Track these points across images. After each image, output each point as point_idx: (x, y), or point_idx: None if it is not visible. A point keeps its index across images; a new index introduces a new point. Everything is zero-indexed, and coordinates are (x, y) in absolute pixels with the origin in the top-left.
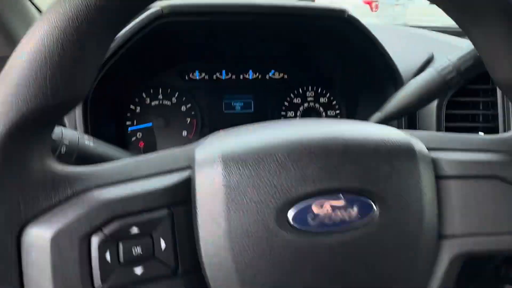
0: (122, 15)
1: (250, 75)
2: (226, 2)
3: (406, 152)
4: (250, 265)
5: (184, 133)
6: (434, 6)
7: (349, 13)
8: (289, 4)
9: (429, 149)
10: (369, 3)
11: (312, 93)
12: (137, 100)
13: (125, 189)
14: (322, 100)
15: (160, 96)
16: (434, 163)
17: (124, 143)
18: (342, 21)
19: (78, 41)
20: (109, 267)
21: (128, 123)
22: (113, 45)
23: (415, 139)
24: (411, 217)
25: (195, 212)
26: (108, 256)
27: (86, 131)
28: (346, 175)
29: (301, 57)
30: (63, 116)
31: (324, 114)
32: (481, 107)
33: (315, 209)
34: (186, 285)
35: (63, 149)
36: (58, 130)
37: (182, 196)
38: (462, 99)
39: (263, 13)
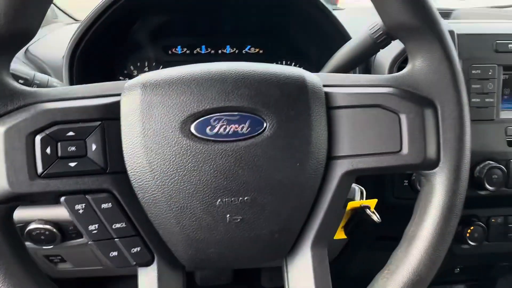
0: None
1: (228, 50)
2: None
3: (297, 83)
4: (160, 165)
5: None
6: None
7: None
8: None
9: (325, 85)
10: None
11: None
12: (125, 72)
13: (65, 103)
14: None
15: (146, 69)
16: (327, 96)
17: None
18: None
19: None
20: (49, 158)
21: None
22: (88, 17)
23: (312, 76)
24: (300, 138)
25: (120, 126)
26: (48, 150)
27: None
28: (240, 96)
29: (274, 33)
30: (18, 47)
31: None
32: None
33: (213, 122)
34: (114, 182)
35: (34, 88)
36: (31, 72)
37: (112, 114)
38: None
39: None
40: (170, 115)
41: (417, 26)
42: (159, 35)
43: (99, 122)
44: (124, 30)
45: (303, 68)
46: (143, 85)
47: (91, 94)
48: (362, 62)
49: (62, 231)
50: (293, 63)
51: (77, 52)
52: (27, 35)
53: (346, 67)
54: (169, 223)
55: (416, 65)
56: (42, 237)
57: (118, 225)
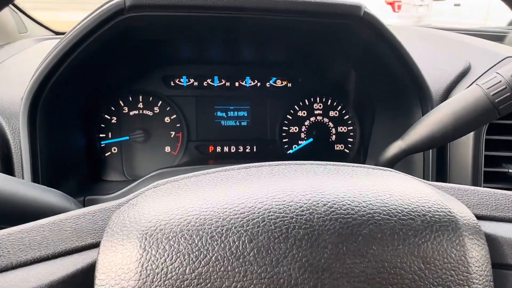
0: None
1: (247, 82)
2: None
3: (447, 231)
4: None
5: (167, 148)
6: (460, 8)
7: (366, 9)
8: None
9: (480, 217)
10: (391, 4)
11: (320, 105)
12: (113, 108)
13: None
14: (332, 113)
15: (140, 105)
16: (491, 243)
17: (97, 159)
18: (357, 20)
19: None
20: None
21: (101, 135)
22: (67, 43)
23: (458, 207)
24: None
25: None
26: None
27: (34, 144)
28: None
29: (308, 63)
30: None
31: (334, 130)
32: None
33: None
34: None
35: None
36: None
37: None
38: (506, 121)
39: (254, 9)
40: None
41: None
42: (158, 62)
43: None
44: (113, 55)
45: (341, 107)
46: (142, 238)
47: (44, 253)
48: (467, 133)
49: None
50: (329, 100)
51: (43, 94)
52: None
53: (444, 139)
54: None
55: None
56: None
57: None
